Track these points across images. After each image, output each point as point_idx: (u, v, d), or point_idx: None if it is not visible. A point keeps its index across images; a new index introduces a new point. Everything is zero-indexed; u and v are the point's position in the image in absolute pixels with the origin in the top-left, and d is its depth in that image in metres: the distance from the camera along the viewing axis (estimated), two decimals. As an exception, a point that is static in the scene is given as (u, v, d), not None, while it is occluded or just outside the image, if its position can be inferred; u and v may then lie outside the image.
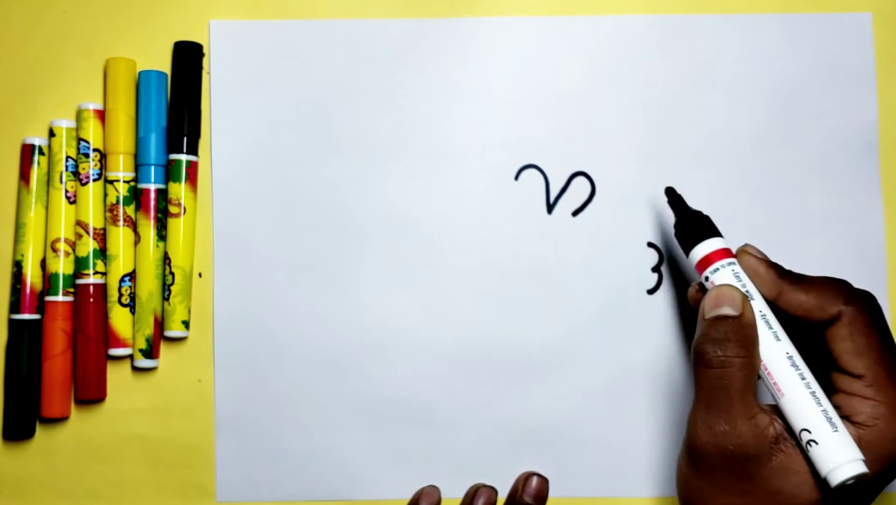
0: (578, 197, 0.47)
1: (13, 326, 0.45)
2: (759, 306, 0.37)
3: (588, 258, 0.46)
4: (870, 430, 0.34)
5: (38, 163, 0.46)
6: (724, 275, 0.38)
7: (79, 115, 0.46)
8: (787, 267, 0.38)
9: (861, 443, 0.34)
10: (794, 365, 0.35)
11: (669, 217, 0.46)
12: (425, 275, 0.46)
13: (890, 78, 0.47)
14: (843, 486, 0.33)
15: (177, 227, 0.45)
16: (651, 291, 0.46)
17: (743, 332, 0.35)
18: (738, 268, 0.38)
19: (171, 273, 0.45)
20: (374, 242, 0.46)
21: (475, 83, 0.47)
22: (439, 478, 0.46)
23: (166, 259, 0.45)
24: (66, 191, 0.45)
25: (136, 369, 0.46)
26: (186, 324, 0.46)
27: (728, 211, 0.46)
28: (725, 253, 0.39)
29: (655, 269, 0.46)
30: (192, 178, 0.46)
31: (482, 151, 0.47)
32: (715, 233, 0.39)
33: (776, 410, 0.36)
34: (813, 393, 0.35)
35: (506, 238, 0.46)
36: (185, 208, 0.45)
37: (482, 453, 0.46)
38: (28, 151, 0.46)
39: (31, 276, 0.45)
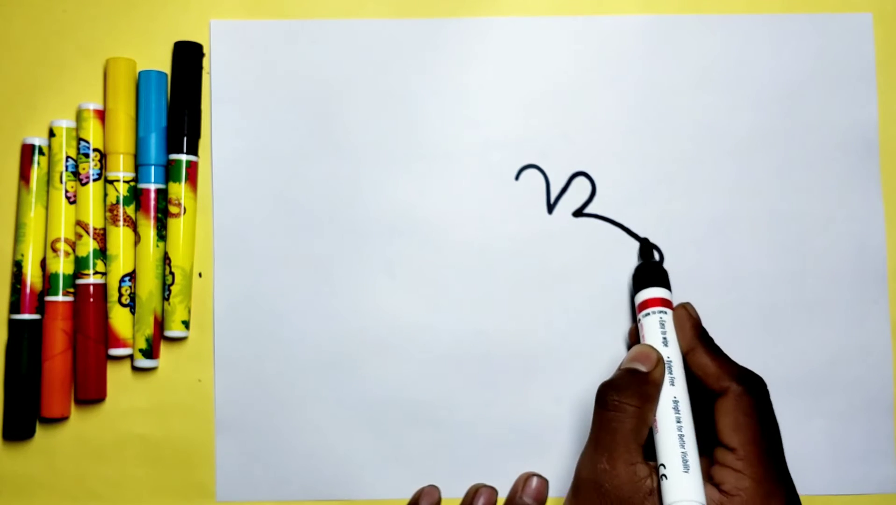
0: (579, 197, 0.47)
1: (13, 326, 0.45)
2: (672, 354, 0.40)
3: (588, 258, 0.46)
4: (732, 499, 0.36)
5: (38, 163, 0.46)
6: (653, 320, 0.41)
7: (79, 115, 0.46)
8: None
9: None
10: (675, 409, 0.38)
11: (670, 217, 0.46)
12: (425, 275, 0.46)
13: (890, 78, 0.47)
14: None
15: (177, 227, 0.45)
16: (651, 291, 0.46)
17: (644, 387, 0.38)
18: (667, 317, 0.41)
19: (171, 273, 0.45)
20: (374, 242, 0.46)
21: (475, 83, 0.47)
22: (439, 478, 0.46)
23: (166, 259, 0.45)
24: (66, 191, 0.45)
25: (136, 369, 0.46)
26: (186, 324, 0.46)
27: (728, 211, 0.46)
28: (662, 302, 0.42)
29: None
30: (192, 178, 0.46)
31: (482, 151, 0.47)
32: (664, 284, 0.43)
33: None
34: (681, 436, 0.37)
35: (506, 238, 0.46)
36: (185, 208, 0.45)
37: (482, 453, 0.46)
38: (28, 151, 0.46)
39: (31, 276, 0.45)
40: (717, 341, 0.41)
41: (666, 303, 0.42)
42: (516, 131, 0.47)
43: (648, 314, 0.42)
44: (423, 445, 0.46)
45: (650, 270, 0.44)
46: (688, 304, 0.42)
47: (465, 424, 0.46)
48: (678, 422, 0.38)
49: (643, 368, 0.39)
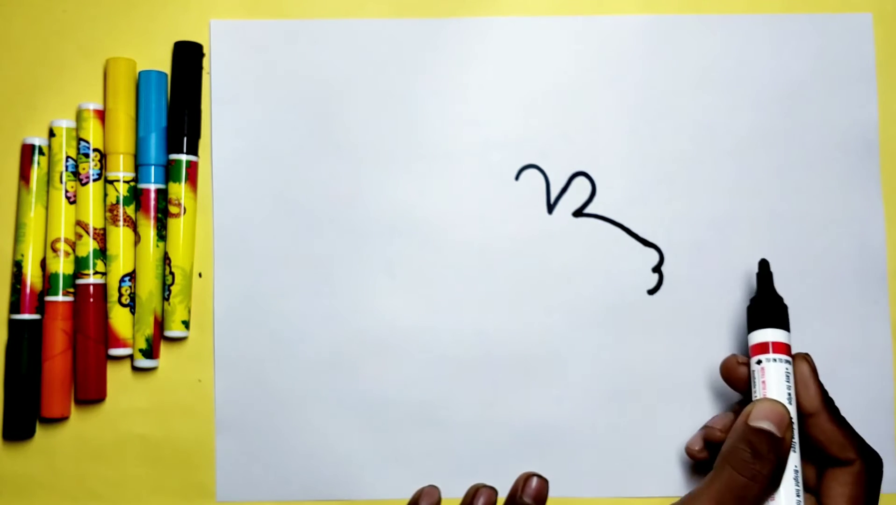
0: (579, 197, 0.47)
1: (13, 326, 0.45)
2: (792, 413, 0.38)
3: (588, 258, 0.46)
4: None
5: (38, 163, 0.46)
6: (778, 369, 0.39)
7: (79, 115, 0.46)
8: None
9: None
10: (796, 480, 0.37)
11: (670, 217, 0.46)
12: (425, 275, 0.46)
13: (890, 78, 0.47)
14: None
15: (177, 227, 0.45)
16: (651, 292, 0.46)
17: (782, 455, 0.36)
18: (791, 369, 0.39)
19: (171, 273, 0.45)
20: (374, 242, 0.46)
21: (475, 83, 0.47)
22: (439, 478, 0.46)
23: (166, 259, 0.45)
24: (66, 191, 0.45)
25: (136, 369, 0.46)
26: (186, 324, 0.46)
27: (728, 211, 0.46)
28: (786, 349, 0.39)
29: (656, 269, 0.46)
30: (192, 178, 0.46)
31: (482, 151, 0.47)
32: (785, 325, 0.40)
33: None
34: None
35: (506, 238, 0.46)
36: (185, 208, 0.45)
37: (482, 453, 0.46)
38: (28, 151, 0.46)
39: (31, 276, 0.45)
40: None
41: (788, 350, 0.40)
42: (516, 131, 0.47)
43: (774, 361, 0.39)
44: (423, 445, 0.46)
45: (776, 305, 0.41)
46: (808, 355, 0.40)
47: (465, 424, 0.46)
48: (798, 496, 0.37)
49: (777, 433, 0.36)
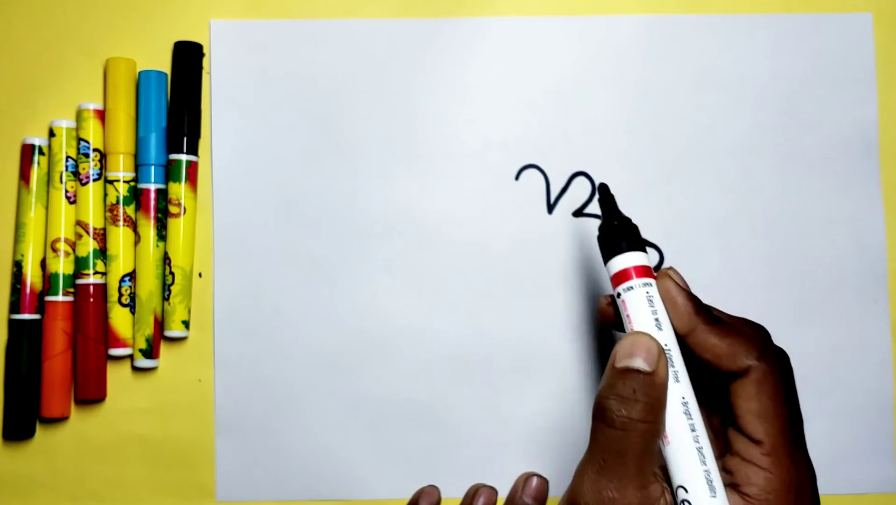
0: (578, 197, 0.47)
1: (13, 326, 0.45)
2: (666, 339, 0.33)
3: (588, 258, 0.46)
4: (758, 504, 0.31)
5: (38, 163, 0.46)
6: (638, 296, 0.34)
7: (79, 115, 0.46)
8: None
9: None
10: (686, 413, 0.32)
11: (670, 217, 0.46)
12: (425, 275, 0.46)
13: (890, 78, 0.47)
14: None
15: (177, 227, 0.45)
16: (651, 291, 0.46)
17: (654, 393, 0.32)
18: (653, 291, 0.34)
19: (171, 273, 0.45)
20: (375, 242, 0.46)
21: (475, 83, 0.47)
22: (439, 478, 0.46)
23: (166, 259, 0.45)
24: (66, 191, 0.45)
25: (136, 369, 0.46)
26: (186, 324, 0.46)
27: (728, 211, 0.46)
28: (645, 271, 0.35)
29: (656, 269, 0.46)
30: (192, 178, 0.46)
31: (482, 151, 0.47)
32: (639, 246, 0.35)
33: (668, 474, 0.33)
34: (700, 449, 0.32)
35: (506, 238, 0.46)
36: (185, 208, 0.45)
37: (482, 453, 0.46)
38: (28, 151, 0.46)
39: (31, 276, 0.45)
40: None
41: (648, 272, 0.35)
42: (516, 131, 0.47)
43: (631, 288, 0.34)
44: (423, 445, 0.46)
45: (624, 228, 0.36)
46: (672, 270, 0.35)
47: (464, 425, 0.46)
48: (693, 431, 0.32)
49: (646, 368, 0.32)
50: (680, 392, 0.33)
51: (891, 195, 0.47)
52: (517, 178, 0.47)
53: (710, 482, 0.31)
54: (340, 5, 0.47)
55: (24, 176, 0.46)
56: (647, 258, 0.36)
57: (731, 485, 0.32)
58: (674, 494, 0.32)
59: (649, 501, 0.32)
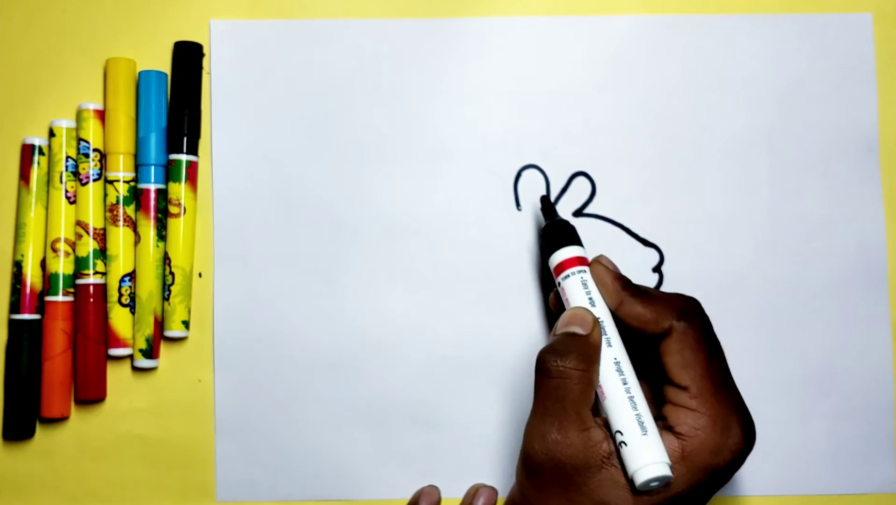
0: (578, 197, 0.47)
1: (13, 326, 0.45)
2: (601, 313, 0.39)
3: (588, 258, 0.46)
4: (690, 440, 0.35)
5: (38, 163, 0.46)
6: (574, 281, 0.40)
7: (79, 115, 0.46)
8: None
9: (682, 453, 0.35)
10: (619, 370, 0.37)
11: (670, 217, 0.46)
12: (425, 275, 0.46)
13: (890, 78, 0.47)
14: (647, 487, 0.34)
15: (177, 227, 0.45)
16: (651, 291, 0.46)
17: (586, 349, 0.37)
18: (587, 276, 0.40)
19: (171, 273, 0.45)
20: (374, 242, 0.46)
21: (475, 83, 0.47)
22: (439, 478, 0.46)
23: (166, 259, 0.45)
24: (66, 191, 0.45)
25: (136, 369, 0.46)
26: (186, 324, 0.46)
27: (728, 211, 0.46)
28: (579, 261, 0.40)
29: (656, 269, 0.46)
30: (192, 178, 0.46)
31: (482, 151, 0.47)
32: (575, 242, 0.41)
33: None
34: (631, 398, 0.36)
35: (506, 238, 0.46)
36: (185, 208, 0.45)
37: (482, 453, 0.46)
38: (28, 151, 0.46)
39: (31, 276, 0.45)
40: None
41: (583, 261, 0.41)
42: (516, 131, 0.47)
43: (568, 276, 0.40)
44: (423, 445, 0.46)
45: (559, 228, 0.42)
46: (602, 257, 0.40)
47: (465, 425, 0.46)
48: (625, 384, 0.37)
49: (581, 332, 0.37)
50: (613, 354, 0.38)
51: (891, 195, 0.47)
52: (517, 178, 0.47)
53: (641, 424, 0.35)
54: (340, 5, 0.47)
55: (24, 176, 0.46)
56: (583, 250, 0.41)
57: (667, 428, 0.36)
58: (614, 441, 0.36)
59: (591, 442, 0.35)
